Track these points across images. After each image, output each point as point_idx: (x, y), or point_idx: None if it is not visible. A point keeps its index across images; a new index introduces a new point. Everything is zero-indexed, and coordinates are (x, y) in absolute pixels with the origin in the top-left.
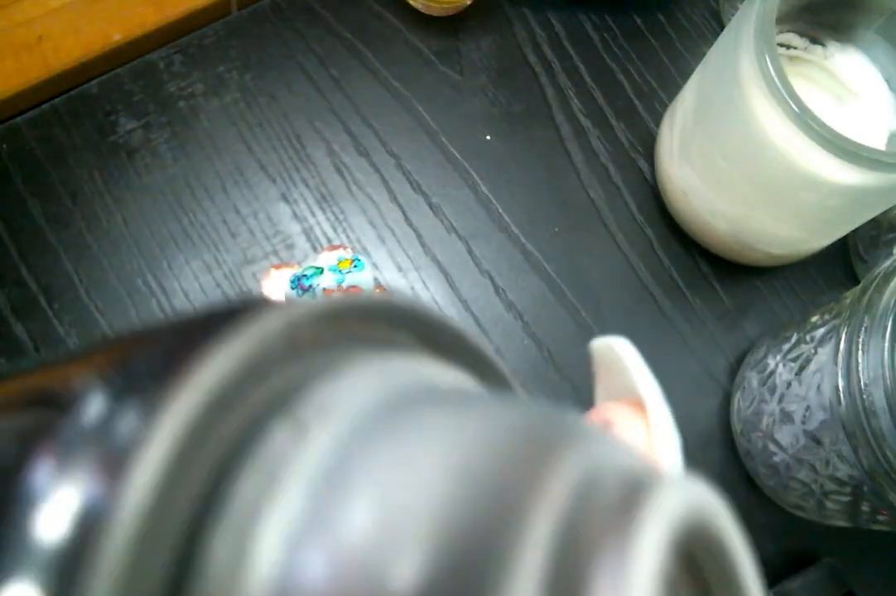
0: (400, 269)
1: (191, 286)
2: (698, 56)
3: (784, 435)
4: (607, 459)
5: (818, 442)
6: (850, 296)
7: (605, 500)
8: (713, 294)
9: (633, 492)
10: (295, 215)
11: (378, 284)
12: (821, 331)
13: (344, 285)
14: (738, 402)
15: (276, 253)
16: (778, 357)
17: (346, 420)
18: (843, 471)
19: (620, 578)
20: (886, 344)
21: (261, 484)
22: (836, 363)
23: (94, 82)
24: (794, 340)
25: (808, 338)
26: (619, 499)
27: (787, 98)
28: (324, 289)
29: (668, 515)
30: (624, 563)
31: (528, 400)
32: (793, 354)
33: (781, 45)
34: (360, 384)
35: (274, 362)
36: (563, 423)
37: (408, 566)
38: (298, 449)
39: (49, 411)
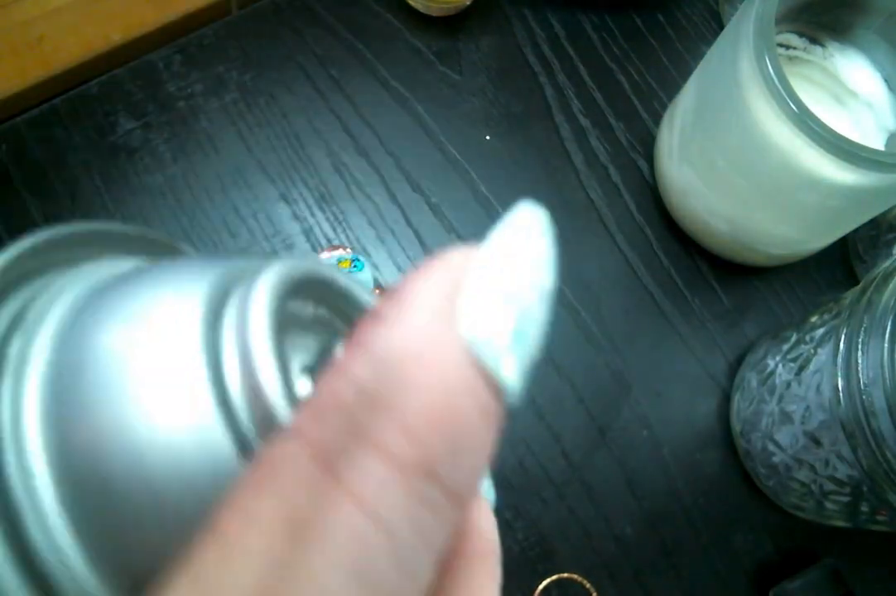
0: (399, 269)
1: None
2: (698, 56)
3: (783, 435)
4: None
5: (817, 442)
6: (849, 296)
7: (239, 286)
8: (712, 294)
9: (253, 276)
10: (294, 215)
11: (378, 285)
12: (820, 331)
13: None
14: (738, 402)
15: (275, 253)
16: (777, 357)
17: (56, 320)
18: (843, 471)
19: (243, 311)
20: (886, 344)
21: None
22: (835, 363)
23: (94, 82)
24: (793, 340)
25: (807, 338)
26: (247, 282)
27: (787, 98)
28: None
29: (271, 278)
30: (245, 302)
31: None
32: (792, 355)
33: (781, 45)
34: (65, 291)
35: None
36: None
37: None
38: (29, 347)
39: None
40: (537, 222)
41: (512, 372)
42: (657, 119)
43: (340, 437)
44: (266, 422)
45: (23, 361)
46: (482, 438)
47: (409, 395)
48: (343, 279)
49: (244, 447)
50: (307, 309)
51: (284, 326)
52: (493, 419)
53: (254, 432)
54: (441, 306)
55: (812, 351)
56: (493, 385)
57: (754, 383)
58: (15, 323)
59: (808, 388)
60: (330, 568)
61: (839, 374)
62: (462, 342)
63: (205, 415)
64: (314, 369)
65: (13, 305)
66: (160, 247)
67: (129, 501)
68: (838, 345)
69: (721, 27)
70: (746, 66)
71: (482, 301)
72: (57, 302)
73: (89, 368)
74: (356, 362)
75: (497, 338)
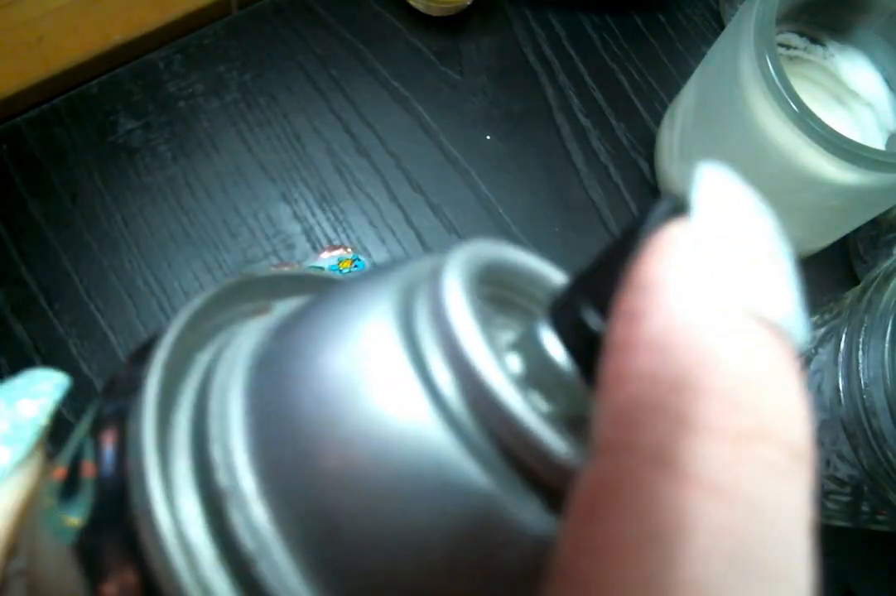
0: None
1: (191, 286)
2: (698, 56)
3: None
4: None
5: (818, 442)
6: (849, 296)
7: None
8: None
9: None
10: (295, 215)
11: None
12: (821, 331)
13: None
14: None
15: (276, 253)
16: None
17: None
18: (844, 471)
19: (437, 296)
20: (886, 344)
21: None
22: (836, 363)
23: (94, 82)
24: None
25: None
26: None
27: (787, 98)
28: None
29: (459, 261)
30: (437, 288)
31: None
32: None
33: (781, 45)
34: (249, 338)
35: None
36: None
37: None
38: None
39: None
40: (733, 185)
41: (793, 315)
42: (658, 119)
43: (665, 432)
44: (482, 404)
45: (225, 388)
46: (794, 385)
47: (710, 369)
48: (530, 259)
49: (461, 434)
50: (496, 295)
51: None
52: (794, 365)
53: (469, 417)
54: (689, 281)
55: (813, 351)
56: (782, 334)
57: None
58: (215, 359)
59: (809, 387)
60: (705, 568)
61: (840, 373)
62: (739, 308)
63: (419, 412)
64: (520, 349)
65: (211, 347)
66: (326, 282)
67: (349, 510)
68: (839, 345)
69: (721, 27)
70: (747, 66)
71: (735, 266)
72: (247, 339)
73: (292, 393)
74: (637, 357)
75: (767, 291)
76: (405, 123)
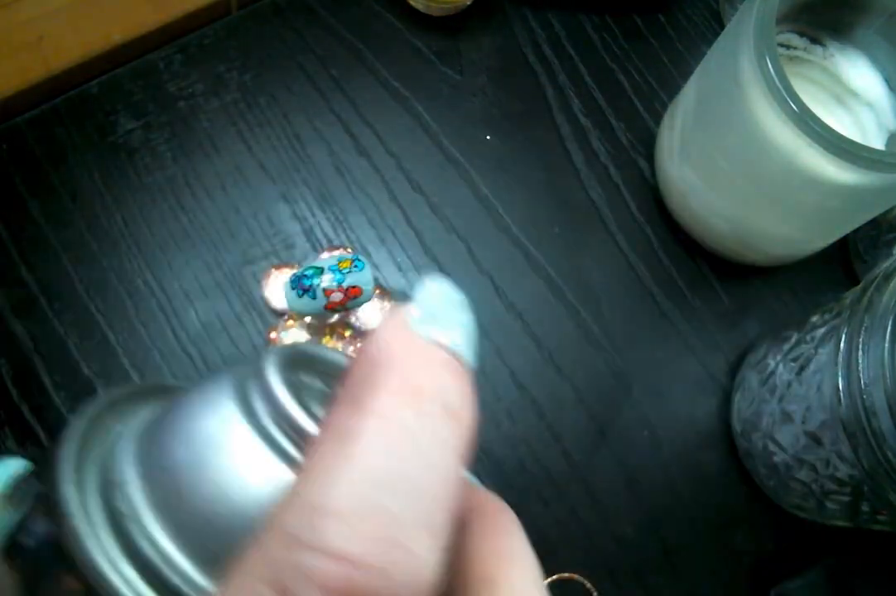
0: (400, 269)
1: (191, 286)
2: (698, 56)
3: (784, 435)
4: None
5: (818, 442)
6: (849, 296)
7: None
8: (713, 294)
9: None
10: (295, 215)
11: (378, 285)
12: (821, 331)
13: (344, 285)
14: (738, 402)
15: (276, 253)
16: (778, 357)
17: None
18: (844, 471)
19: (262, 380)
20: (886, 344)
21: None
22: (836, 363)
23: (94, 82)
24: (794, 340)
25: (808, 338)
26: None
27: (787, 98)
28: (324, 289)
29: (272, 359)
30: (261, 374)
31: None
32: (793, 354)
33: (781, 45)
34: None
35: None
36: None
37: None
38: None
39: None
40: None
41: (460, 346)
42: (658, 119)
43: (362, 390)
44: (298, 433)
45: (123, 471)
46: (455, 372)
47: (397, 363)
48: (326, 352)
49: (285, 457)
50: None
51: (298, 391)
52: (458, 365)
53: (290, 444)
54: (402, 325)
55: (813, 351)
56: (449, 351)
57: (755, 383)
58: (109, 450)
59: (809, 387)
60: (367, 450)
61: (840, 373)
62: (425, 337)
63: (259, 450)
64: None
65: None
66: (169, 389)
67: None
68: (839, 345)
69: (721, 27)
70: (747, 66)
71: (432, 322)
72: (128, 437)
73: (174, 466)
74: (360, 357)
75: (446, 331)
76: (405, 123)
